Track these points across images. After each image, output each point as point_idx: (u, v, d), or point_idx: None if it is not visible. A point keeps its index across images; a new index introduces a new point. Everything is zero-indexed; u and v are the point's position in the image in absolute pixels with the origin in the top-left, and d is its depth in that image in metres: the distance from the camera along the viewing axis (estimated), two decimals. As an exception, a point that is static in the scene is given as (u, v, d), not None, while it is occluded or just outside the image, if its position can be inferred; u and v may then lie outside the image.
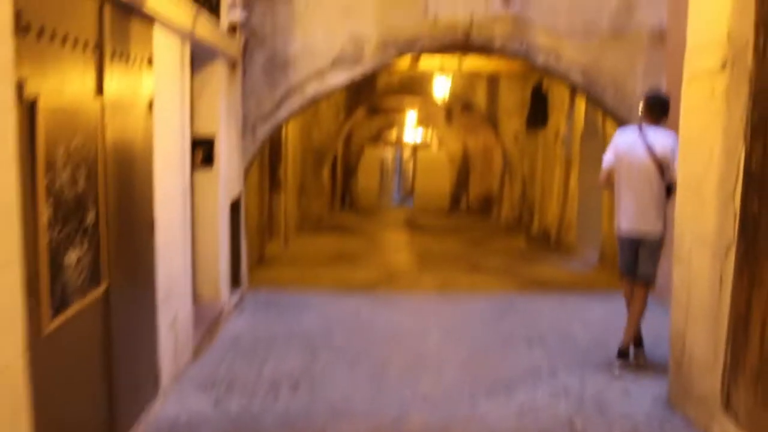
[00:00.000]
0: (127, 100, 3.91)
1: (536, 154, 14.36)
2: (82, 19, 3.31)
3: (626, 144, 5.57)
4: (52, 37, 3.01)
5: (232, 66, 6.91)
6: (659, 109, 5.52)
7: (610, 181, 5.73)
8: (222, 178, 6.40)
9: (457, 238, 14.78)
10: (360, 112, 17.98)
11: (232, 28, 6.71)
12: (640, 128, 5.57)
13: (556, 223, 13.05)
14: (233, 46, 6.49)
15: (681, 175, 4.59)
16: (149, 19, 4.21)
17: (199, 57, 6.10)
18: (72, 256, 3.25)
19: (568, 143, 12.20)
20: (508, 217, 16.19)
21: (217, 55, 6.13)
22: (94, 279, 3.54)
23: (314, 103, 8.19)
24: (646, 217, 5.48)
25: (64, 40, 3.13)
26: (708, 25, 4.16)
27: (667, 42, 7.63)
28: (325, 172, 17.36)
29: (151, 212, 4.38)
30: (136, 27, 4.03)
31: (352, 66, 7.78)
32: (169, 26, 4.54)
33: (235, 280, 7.47)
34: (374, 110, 19.47)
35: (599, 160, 10.49)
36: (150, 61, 4.25)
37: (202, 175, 6.26)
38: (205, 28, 5.37)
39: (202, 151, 6.21)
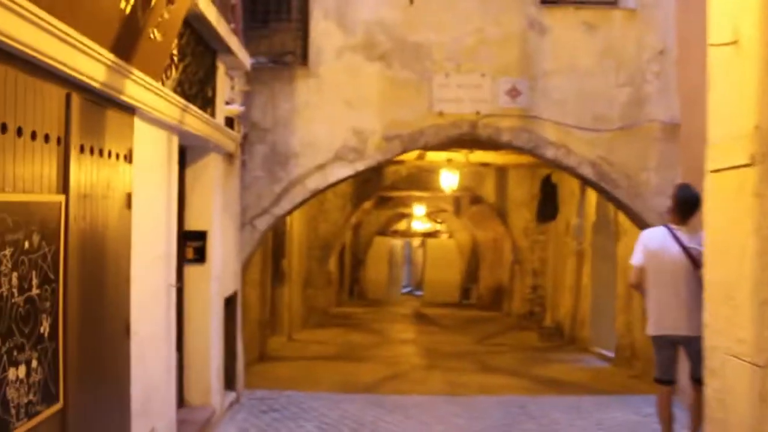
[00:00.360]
0: (99, 194, 3.54)
1: (547, 247, 14.00)
2: (43, 109, 2.98)
3: (657, 243, 5.20)
4: (3, 129, 2.66)
5: (229, 159, 6.62)
6: (691, 207, 5.09)
7: (642, 282, 5.28)
8: (214, 273, 5.99)
9: (467, 333, 14.18)
10: (368, 204, 17.78)
11: (230, 121, 6.46)
12: (668, 228, 5.21)
13: (569, 317, 12.50)
14: (230, 139, 6.22)
15: (708, 280, 4.13)
16: (128, 110, 3.90)
17: (193, 150, 5.81)
18: (17, 373, 2.79)
19: (580, 235, 11.82)
20: (519, 310, 15.66)
21: (211, 147, 5.84)
22: (47, 397, 3.07)
23: (316, 196, 7.89)
24: (690, 318, 4.94)
25: (19, 132, 2.78)
26: (731, 118, 3.80)
27: (681, 135, 7.32)
28: (332, 264, 17.01)
29: (127, 315, 3.95)
30: (112, 118, 3.71)
31: (355, 160, 7.51)
32: (152, 117, 4.24)
33: (229, 382, 6.93)
34: (383, 202, 19.26)
35: (612, 252, 10.39)
36: (129, 153, 3.91)
37: (193, 271, 5.85)
38: (197, 120, 5.08)
39: (194, 246, 5.83)
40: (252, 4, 7.51)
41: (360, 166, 7.53)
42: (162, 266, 4.57)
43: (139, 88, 3.88)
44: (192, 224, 5.86)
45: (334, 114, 7.44)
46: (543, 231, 13.98)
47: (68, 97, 3.19)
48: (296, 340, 11.96)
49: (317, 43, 7.48)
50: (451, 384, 8.80)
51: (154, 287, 4.42)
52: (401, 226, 26.07)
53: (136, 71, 3.75)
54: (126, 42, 3.59)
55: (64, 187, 3.16)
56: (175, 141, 4.80)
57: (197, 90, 5.33)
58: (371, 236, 23.57)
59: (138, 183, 4.06)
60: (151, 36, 3.92)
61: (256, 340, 9.60)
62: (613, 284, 10.30)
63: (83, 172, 3.35)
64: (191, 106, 4.86)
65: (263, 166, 7.43)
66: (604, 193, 7.72)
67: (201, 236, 5.85)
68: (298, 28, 7.58)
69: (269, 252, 10.30)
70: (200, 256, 5.85)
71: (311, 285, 13.93)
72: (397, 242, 26.15)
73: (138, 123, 4.05)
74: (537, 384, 8.90)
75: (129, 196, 3.91)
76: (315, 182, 7.48)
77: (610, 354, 10.46)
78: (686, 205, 5.13)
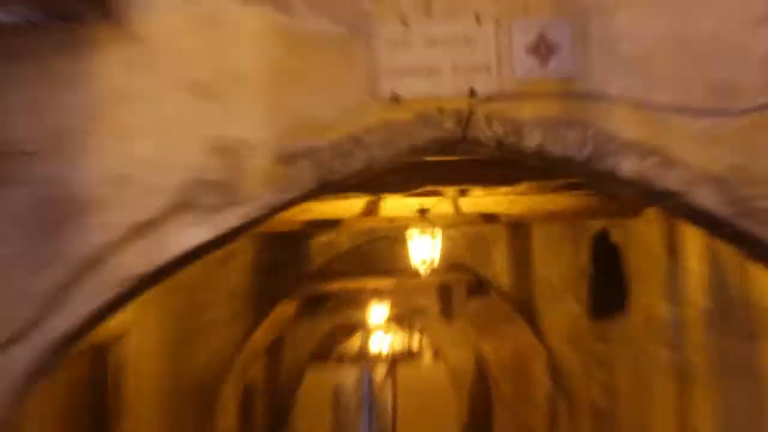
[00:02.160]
0: None
1: (615, 363, 13.24)
2: None
3: None
4: None
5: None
6: None
7: None
8: None
9: None
10: (288, 308, 17.32)
11: None
12: None
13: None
14: None
15: None
16: None
17: None
18: None
19: (677, 336, 10.80)
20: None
21: None
22: None
23: (141, 292, 6.42)
24: None
25: None
26: None
27: None
28: (228, 419, 16.20)
29: None
30: None
31: (221, 207, 6.13)
32: None
33: None
34: (314, 303, 19.14)
35: (751, 363, 9.05)
36: None
37: None
38: None
39: None
40: None
41: (232, 219, 6.13)
42: None
43: None
44: None
45: (175, 112, 6.18)
46: (604, 334, 13.23)
47: None
48: None
49: (139, -24, 6.32)
50: None
51: None
52: (352, 344, 26.24)
53: None
54: None
55: None
56: None
57: None
58: (301, 366, 23.39)
59: None
60: None
61: None
62: (758, 425, 8.93)
63: None
64: None
65: (19, 232, 6.02)
66: (743, 241, 6.41)
67: None
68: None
69: (74, 411, 9.08)
70: None
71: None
72: (348, 374, 26.49)
73: None
74: None
75: None
76: (135, 262, 6.06)
77: None
78: None
